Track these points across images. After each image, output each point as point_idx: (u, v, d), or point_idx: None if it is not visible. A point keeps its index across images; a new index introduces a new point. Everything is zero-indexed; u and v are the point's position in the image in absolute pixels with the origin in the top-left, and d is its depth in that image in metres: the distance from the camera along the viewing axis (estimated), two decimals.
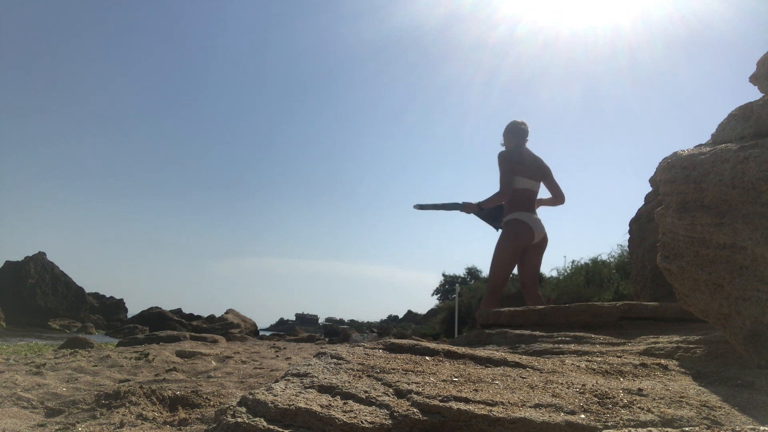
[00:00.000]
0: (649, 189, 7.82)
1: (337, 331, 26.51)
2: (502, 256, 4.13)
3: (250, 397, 1.69)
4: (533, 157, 4.25)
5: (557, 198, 4.33)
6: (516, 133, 4.29)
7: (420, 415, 1.59)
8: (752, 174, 2.58)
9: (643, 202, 8.08)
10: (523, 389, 1.91)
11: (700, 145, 3.30)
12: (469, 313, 17.92)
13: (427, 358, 2.36)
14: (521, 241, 4.09)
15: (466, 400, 1.69)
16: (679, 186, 3.11)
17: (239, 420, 1.55)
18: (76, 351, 6.87)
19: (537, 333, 5.11)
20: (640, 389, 2.01)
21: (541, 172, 4.25)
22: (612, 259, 13.72)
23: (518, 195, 4.09)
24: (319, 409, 1.58)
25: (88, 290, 42.08)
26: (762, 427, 1.47)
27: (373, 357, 2.27)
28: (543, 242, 4.23)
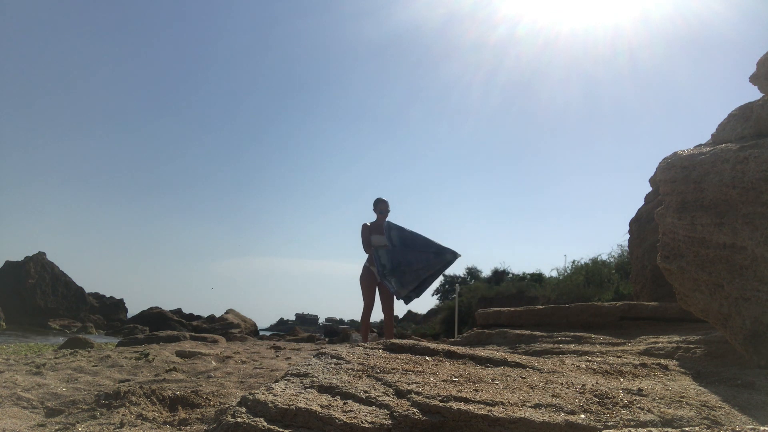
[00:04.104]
0: (649, 189, 7.83)
1: (337, 331, 26.49)
2: None
3: (250, 397, 1.69)
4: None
5: None
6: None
7: (420, 415, 1.59)
8: (752, 174, 2.58)
9: (643, 202, 8.09)
10: (523, 389, 1.91)
11: (700, 145, 3.29)
12: (469, 313, 17.92)
13: (427, 358, 2.37)
14: None
15: (466, 400, 1.69)
16: (679, 186, 3.11)
17: (239, 420, 1.55)
18: (76, 351, 6.88)
19: (537, 333, 5.12)
20: (640, 389, 2.02)
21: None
22: (612, 259, 13.72)
23: None
24: (319, 409, 1.59)
25: (88, 290, 42.03)
26: (762, 427, 1.47)
27: (373, 357, 2.27)
28: None
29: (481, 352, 2.55)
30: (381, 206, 6.02)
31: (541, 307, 6.20)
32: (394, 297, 5.76)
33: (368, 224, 6.02)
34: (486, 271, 27.48)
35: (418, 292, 5.86)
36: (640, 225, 7.73)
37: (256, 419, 1.54)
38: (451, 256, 5.87)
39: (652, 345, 3.69)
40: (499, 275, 25.54)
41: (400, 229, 5.88)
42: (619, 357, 3.24)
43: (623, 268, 12.34)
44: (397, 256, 5.75)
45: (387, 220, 5.99)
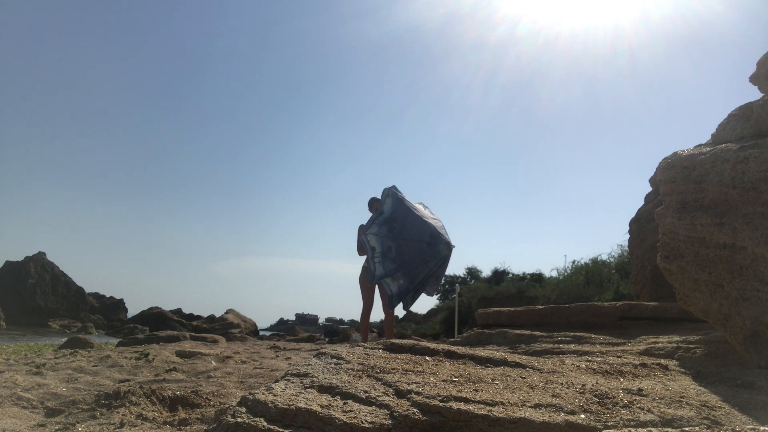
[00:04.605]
0: (649, 189, 7.83)
1: (337, 331, 26.49)
2: None
3: (250, 397, 1.69)
4: None
5: None
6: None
7: (420, 415, 1.59)
8: (752, 174, 2.58)
9: (643, 202, 8.09)
10: (523, 389, 1.91)
11: (700, 145, 3.30)
12: (469, 313, 17.92)
13: (427, 358, 2.37)
14: None
15: (466, 400, 1.69)
16: (679, 186, 3.11)
17: (239, 420, 1.55)
18: (76, 351, 6.87)
19: (537, 333, 5.12)
20: (640, 389, 2.02)
21: None
22: (612, 259, 13.72)
23: None
24: (319, 409, 1.58)
25: (88, 290, 42.08)
26: (762, 427, 1.47)
27: (373, 357, 2.27)
28: None
29: (481, 352, 2.55)
30: (377, 205, 5.95)
31: (541, 307, 6.20)
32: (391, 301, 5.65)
33: (365, 225, 5.98)
34: (486, 271, 27.50)
35: (415, 297, 5.76)
36: (640, 225, 7.73)
37: (256, 419, 1.54)
38: (445, 248, 5.64)
39: (652, 345, 3.69)
40: (499, 275, 25.54)
41: (398, 202, 5.64)
42: (619, 357, 3.24)
43: (623, 268, 12.34)
44: (387, 242, 5.61)
45: (387, 188, 5.75)
